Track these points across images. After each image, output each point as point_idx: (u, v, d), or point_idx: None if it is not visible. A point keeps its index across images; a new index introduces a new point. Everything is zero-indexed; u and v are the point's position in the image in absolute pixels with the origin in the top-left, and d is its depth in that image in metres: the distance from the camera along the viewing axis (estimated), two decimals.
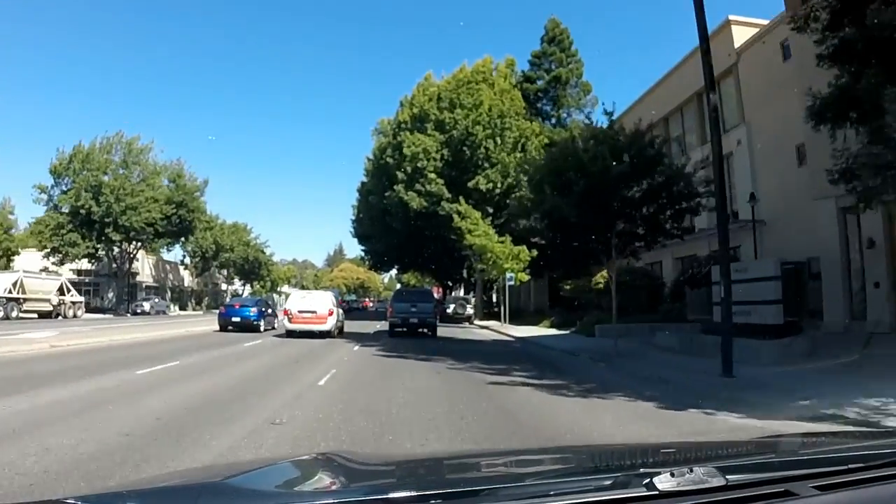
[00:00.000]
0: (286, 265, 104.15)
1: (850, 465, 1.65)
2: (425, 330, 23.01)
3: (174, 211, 48.73)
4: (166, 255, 67.02)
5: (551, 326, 26.81)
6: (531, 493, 1.48)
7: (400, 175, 35.35)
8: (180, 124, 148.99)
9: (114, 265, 50.84)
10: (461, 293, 62.52)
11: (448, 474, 1.91)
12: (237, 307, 25.71)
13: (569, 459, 2.16)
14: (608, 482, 1.53)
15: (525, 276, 29.64)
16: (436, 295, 36.96)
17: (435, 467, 2.05)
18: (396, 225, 39.10)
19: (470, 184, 34.47)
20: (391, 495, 1.42)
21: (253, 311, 24.86)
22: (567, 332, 23.88)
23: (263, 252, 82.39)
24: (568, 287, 28.76)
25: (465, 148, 34.68)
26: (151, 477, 2.09)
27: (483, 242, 30.13)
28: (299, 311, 23.00)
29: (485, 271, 32.56)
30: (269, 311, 27.15)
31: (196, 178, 51.99)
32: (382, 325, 27.56)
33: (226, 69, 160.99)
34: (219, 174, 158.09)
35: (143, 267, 63.61)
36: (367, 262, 66.54)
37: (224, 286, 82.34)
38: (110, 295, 51.79)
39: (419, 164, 34.70)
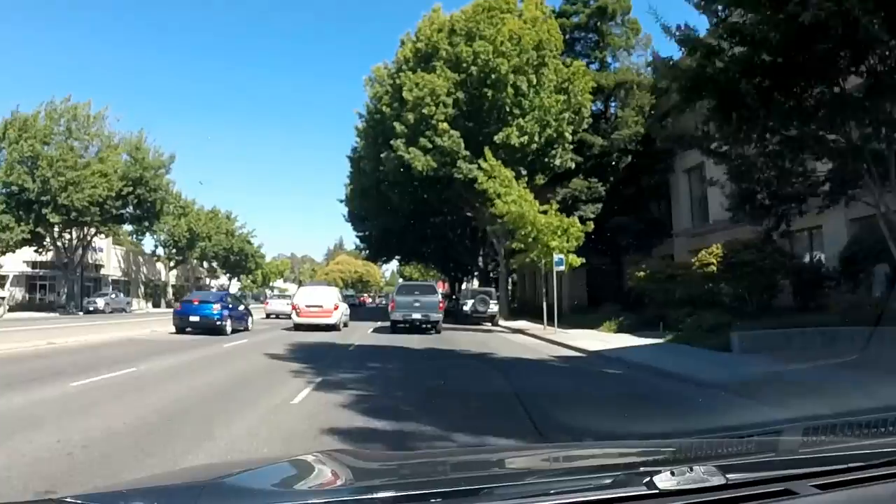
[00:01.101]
0: (280, 259, 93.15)
1: (850, 465, 1.63)
2: (428, 326, 22.39)
3: (130, 189, 42.27)
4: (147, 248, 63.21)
5: (620, 330, 21.01)
6: (531, 491, 1.47)
7: (399, 128, 28.25)
8: (177, 124, 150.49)
9: (65, 255, 44.89)
10: (474, 286, 52.43)
11: (448, 473, 1.87)
12: (196, 303, 21.68)
13: (569, 458, 2.11)
14: (608, 481, 1.52)
15: (577, 260, 22.85)
16: (440, 290, 33.43)
17: (435, 466, 1.99)
18: (395, 197, 32.63)
19: (496, 137, 27.16)
20: (391, 494, 1.42)
21: (215, 308, 21.01)
22: (657, 340, 17.31)
23: (250, 243, 77.33)
24: (641, 274, 21.81)
25: (486, 90, 27.45)
26: (151, 476, 2.12)
27: (519, 211, 23.25)
28: (306, 306, 24.10)
29: (520, 254, 25.24)
30: (240, 308, 23.82)
31: (161, 152, 45.79)
32: (378, 326, 25.80)
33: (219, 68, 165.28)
34: (215, 169, 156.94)
35: (109, 258, 59.69)
36: (362, 252, 55.26)
37: (210, 281, 78.51)
38: (66, 290, 44.57)
39: (425, 111, 27.46)
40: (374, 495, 1.41)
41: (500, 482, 1.60)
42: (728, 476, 1.49)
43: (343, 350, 15.34)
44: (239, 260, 72.65)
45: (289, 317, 27.19)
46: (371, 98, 29.40)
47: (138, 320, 27.20)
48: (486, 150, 23.34)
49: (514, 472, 1.82)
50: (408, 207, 32.04)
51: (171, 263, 60.98)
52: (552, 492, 1.45)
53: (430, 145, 26.18)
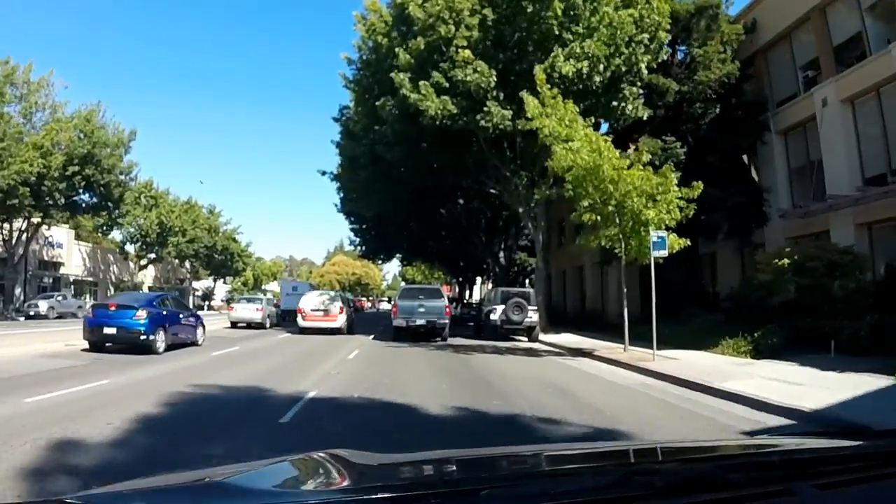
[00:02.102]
0: (272, 260, 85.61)
1: (850, 465, 1.66)
2: (433, 330, 21.23)
3: (77, 168, 35.78)
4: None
5: (760, 352, 14.22)
6: (531, 492, 1.49)
7: (404, 57, 20.47)
8: (174, 123, 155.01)
9: (3, 248, 38.95)
10: (488, 288, 44.65)
11: (448, 473, 1.86)
12: (113, 309, 15.79)
13: (569, 459, 2.10)
14: (608, 481, 1.55)
15: (680, 242, 14.84)
16: (446, 294, 31.12)
17: (435, 466, 1.96)
18: (394, 159, 24.55)
19: (541, 66, 18.43)
20: (391, 494, 1.42)
21: (140, 315, 15.23)
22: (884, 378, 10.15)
23: (235, 241, 71.90)
24: (783, 262, 14.76)
25: (524, 2, 19.17)
26: (152, 476, 1.80)
27: (592, 162, 14.66)
28: (312, 310, 25.10)
29: (587, 234, 17.23)
30: (183, 315, 17.86)
31: (122, 128, 40.10)
32: (372, 342, 20.38)
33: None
34: (214, 171, 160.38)
35: (70, 255, 53.05)
36: (357, 249, 46.16)
37: (192, 283, 75.05)
38: (17, 292, 40.34)
39: (441, 31, 19.73)
40: (374, 495, 1.40)
41: (500, 482, 1.58)
42: (728, 476, 1.52)
43: (273, 415, 7.93)
44: (224, 260, 67.94)
45: (261, 326, 26.73)
46: (364, 36, 23.05)
47: (74, 329, 20.27)
48: (538, 71, 15.08)
49: (514, 472, 1.81)
50: (411, 180, 26.28)
51: (143, 262, 52.62)
52: (552, 493, 1.45)
53: (445, 83, 19.76)
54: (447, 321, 21.68)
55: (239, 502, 1.42)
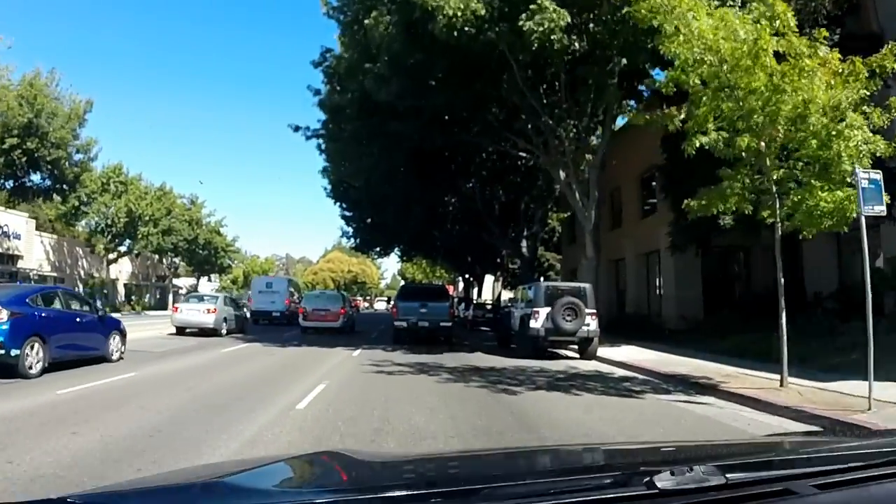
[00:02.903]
0: (266, 257, 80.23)
1: (850, 465, 1.67)
2: (436, 334, 20.41)
3: (16, 141, 30.91)
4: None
5: None
6: (531, 491, 1.51)
7: None
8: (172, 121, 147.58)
9: None
10: (497, 287, 39.09)
11: (449, 472, 1.89)
12: None
13: (569, 458, 2.14)
14: (608, 481, 1.57)
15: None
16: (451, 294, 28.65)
17: (436, 465, 2.01)
18: (388, 97, 17.89)
19: None
20: (392, 494, 1.44)
21: None
22: None
23: (220, 234, 65.70)
24: None
25: None
26: (152, 476, 2.06)
27: (742, 52, 8.17)
28: (313, 310, 25.73)
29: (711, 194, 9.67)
30: (78, 320, 12.74)
31: (78, 99, 34.92)
32: (361, 357, 16.07)
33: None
34: (214, 169, 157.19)
35: (31, 248, 45.71)
36: (350, 239, 40.95)
37: (178, 281, 69.09)
38: None
39: None
40: (375, 495, 1.43)
41: (500, 482, 1.60)
42: (728, 476, 1.52)
43: None
44: (208, 255, 62.71)
45: (215, 332, 22.35)
46: None
47: None
48: None
49: (514, 472, 1.84)
50: (412, 136, 20.54)
51: (113, 255, 46.48)
52: (552, 491, 1.47)
53: None
54: (451, 323, 21.07)
55: (239, 502, 1.44)
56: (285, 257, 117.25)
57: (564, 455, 2.17)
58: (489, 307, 35.40)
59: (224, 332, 22.79)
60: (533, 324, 16.08)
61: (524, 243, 32.76)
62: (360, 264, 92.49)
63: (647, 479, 1.47)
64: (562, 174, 19.05)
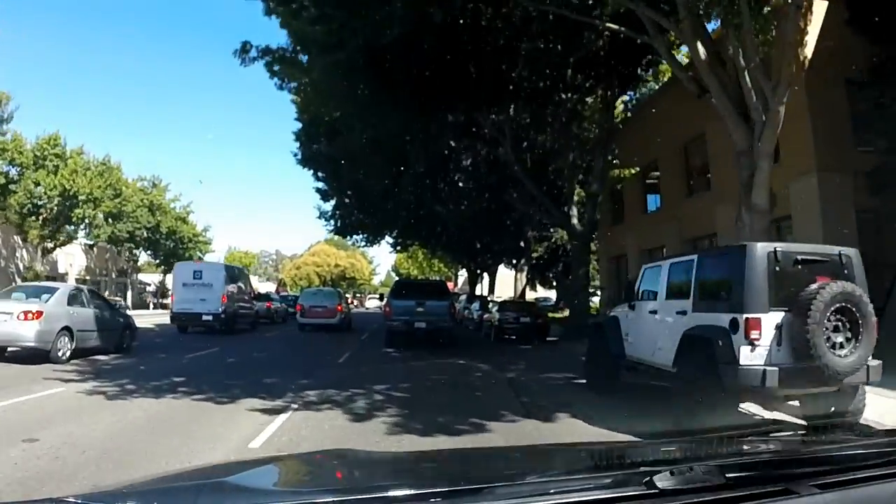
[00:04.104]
0: (245, 251, 72.18)
1: (850, 464, 1.70)
2: (435, 336, 19.25)
3: None
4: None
5: None
6: (532, 490, 1.54)
7: None
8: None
9: None
10: (520, 279, 30.75)
11: (449, 472, 1.90)
12: None
13: (569, 457, 2.11)
14: (608, 480, 1.59)
15: None
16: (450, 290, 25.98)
17: (436, 465, 2.01)
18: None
19: None
20: (392, 493, 1.46)
21: None
22: None
23: (186, 222, 57.16)
24: None
25: None
26: (152, 476, 1.83)
27: None
28: (311, 307, 25.86)
29: None
30: None
31: None
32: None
33: None
34: (213, 168, 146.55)
35: None
36: (329, 221, 40.00)
37: (147, 276, 61.88)
38: None
39: None
40: (375, 494, 1.45)
41: (500, 481, 1.64)
42: (728, 475, 1.55)
43: None
44: (175, 246, 54.49)
45: (41, 351, 13.22)
46: None
47: None
48: None
49: (514, 472, 1.87)
50: (403, 66, 16.15)
51: (50, 245, 38.01)
52: (552, 491, 1.50)
53: None
54: (451, 324, 19.82)
55: (239, 502, 1.46)
56: (275, 253, 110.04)
57: (564, 455, 2.17)
58: (529, 307, 25.81)
59: (63, 353, 13.28)
60: (748, 355, 6.88)
61: (573, 212, 23.66)
62: (349, 258, 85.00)
63: (647, 479, 1.51)
64: (700, 50, 10.45)
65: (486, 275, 49.56)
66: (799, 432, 2.10)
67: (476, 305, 31.18)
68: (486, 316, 26.11)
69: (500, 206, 30.00)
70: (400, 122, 20.87)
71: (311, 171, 32.55)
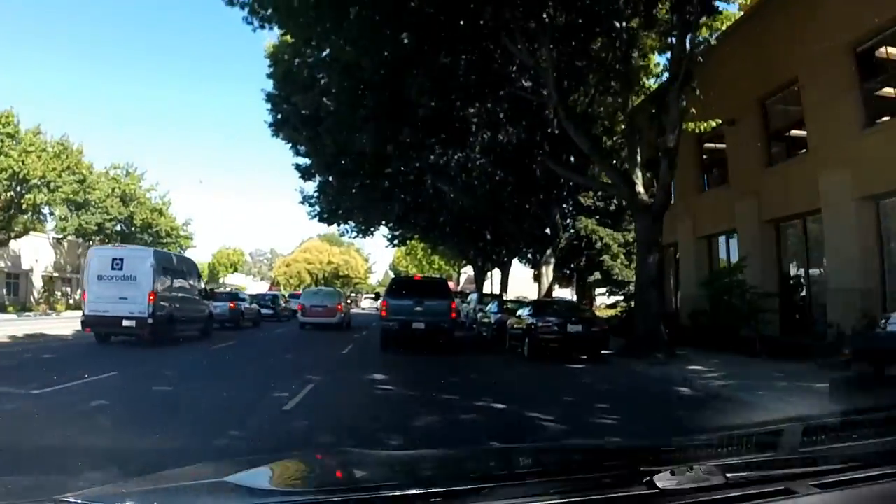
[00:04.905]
0: (234, 248, 67.95)
1: (850, 464, 1.69)
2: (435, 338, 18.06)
3: None
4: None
5: None
6: (531, 491, 1.53)
7: None
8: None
9: None
10: (547, 273, 24.69)
11: (449, 472, 1.91)
12: None
13: (570, 457, 2.13)
14: (608, 480, 1.60)
15: None
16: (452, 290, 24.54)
17: (436, 465, 2.00)
18: None
19: None
20: (392, 493, 1.47)
21: None
22: None
23: (163, 214, 52.33)
24: None
25: None
26: (152, 475, 1.76)
27: None
28: (312, 306, 26.49)
29: None
30: None
31: None
32: None
33: None
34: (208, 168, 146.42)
35: None
36: (313, 206, 25.52)
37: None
38: None
39: None
40: (375, 494, 1.46)
41: (501, 482, 1.65)
42: (728, 475, 1.56)
43: None
44: (152, 241, 48.99)
45: None
46: None
47: None
48: None
49: (514, 472, 1.86)
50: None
51: (3, 236, 33.53)
52: (552, 491, 1.50)
53: None
54: (453, 325, 18.66)
55: (239, 501, 1.47)
56: (270, 252, 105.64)
57: (564, 455, 2.18)
58: (570, 310, 18.93)
59: None
60: None
61: (637, 175, 17.24)
62: (343, 254, 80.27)
63: (647, 478, 1.51)
64: None
65: (495, 271, 44.58)
66: (799, 432, 2.04)
67: (493, 307, 24.85)
68: (510, 322, 19.92)
69: (525, 181, 25.06)
70: (400, 50, 16.72)
71: (290, 145, 28.16)
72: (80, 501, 1.26)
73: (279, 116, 26.29)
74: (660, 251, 18.26)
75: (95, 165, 48.77)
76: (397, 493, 1.40)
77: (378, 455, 2.29)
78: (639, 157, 18.01)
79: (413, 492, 1.41)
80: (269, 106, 26.30)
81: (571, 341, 16.42)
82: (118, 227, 49.89)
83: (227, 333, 23.80)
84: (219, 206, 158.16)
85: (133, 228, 50.02)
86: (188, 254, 66.19)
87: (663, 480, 1.42)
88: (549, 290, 31.27)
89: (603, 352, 17.02)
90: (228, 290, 39.26)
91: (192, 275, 21.34)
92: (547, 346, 16.50)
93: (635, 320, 18.27)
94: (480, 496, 1.40)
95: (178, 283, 19.61)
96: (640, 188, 17.42)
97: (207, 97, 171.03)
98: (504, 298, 28.87)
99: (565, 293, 43.03)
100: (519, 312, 19.85)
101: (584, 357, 16.71)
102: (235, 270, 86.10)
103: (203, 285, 23.06)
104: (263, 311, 32.38)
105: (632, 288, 24.24)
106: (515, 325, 19.05)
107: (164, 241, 56.94)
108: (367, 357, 17.21)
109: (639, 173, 17.74)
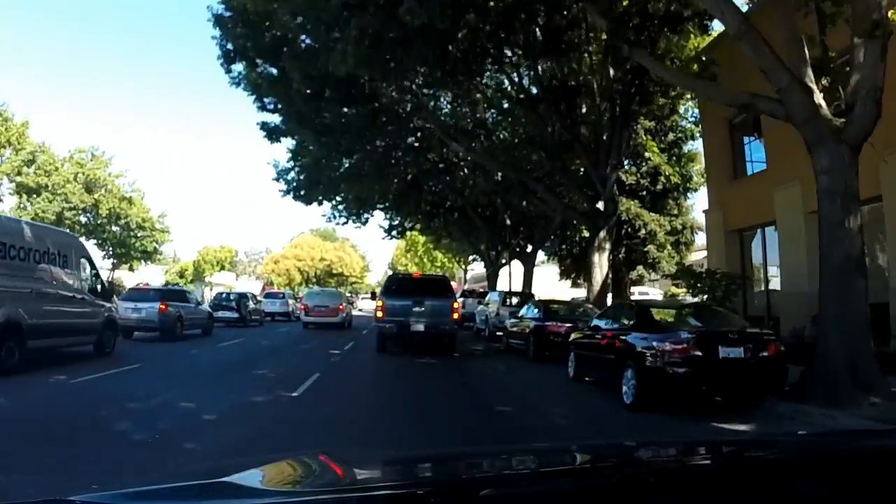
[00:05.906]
0: (221, 245, 62.27)
1: (851, 465, 1.73)
2: (436, 341, 17.40)
3: None
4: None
5: None
6: (530, 490, 1.54)
7: None
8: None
9: None
10: (602, 263, 17.95)
11: (448, 472, 1.90)
12: None
13: (569, 457, 2.12)
14: (607, 480, 1.64)
15: None
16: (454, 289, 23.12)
17: (434, 465, 2.01)
18: None
19: None
20: (391, 493, 1.49)
21: None
22: None
23: (132, 203, 44.39)
24: None
25: None
26: (152, 475, 2.12)
27: None
28: (314, 307, 27.59)
29: None
30: None
31: None
32: None
33: None
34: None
35: None
36: (288, 183, 28.60)
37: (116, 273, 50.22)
38: None
39: None
40: (375, 494, 1.49)
41: (501, 482, 1.67)
42: (728, 476, 1.61)
43: None
44: (122, 233, 43.47)
45: None
46: None
47: None
48: None
49: (514, 472, 1.87)
50: None
51: None
52: (551, 490, 1.53)
53: None
54: (456, 327, 17.60)
55: (238, 501, 1.49)
56: (265, 251, 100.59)
57: (564, 454, 2.17)
58: (727, 319, 11.54)
59: None
60: None
61: (809, 76, 10.04)
62: (336, 250, 74.02)
63: (647, 478, 1.57)
64: None
65: (513, 264, 36.47)
66: (799, 432, 2.40)
67: (530, 310, 17.82)
68: (574, 337, 12.99)
69: (572, 124, 19.21)
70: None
71: (253, 97, 21.38)
72: (79, 501, 1.21)
73: (229, 47, 19.46)
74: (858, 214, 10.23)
75: (57, 152, 44.08)
76: (396, 492, 1.39)
77: (378, 454, 2.29)
78: (807, 54, 10.43)
79: (413, 491, 1.40)
80: (218, 31, 19.49)
81: (725, 375, 9.09)
82: (81, 218, 46.26)
83: (145, 351, 16.33)
84: (216, 206, 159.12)
85: (99, 219, 47.21)
86: (165, 249, 60.79)
87: (661, 480, 1.47)
88: (604, 286, 21.94)
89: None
90: (165, 285, 31.97)
91: (69, 260, 13.80)
92: (672, 383, 9.20)
93: (815, 334, 10.84)
94: (480, 496, 1.36)
95: (29, 270, 12.02)
96: (819, 99, 9.90)
97: (206, 97, 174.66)
98: (539, 299, 20.91)
99: (579, 293, 35.26)
100: (595, 322, 12.55)
101: (740, 401, 9.74)
102: (223, 268, 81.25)
103: (96, 274, 15.25)
104: (221, 314, 26.31)
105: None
106: (586, 342, 12.18)
107: (136, 233, 51.57)
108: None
109: (811, 75, 10.16)
